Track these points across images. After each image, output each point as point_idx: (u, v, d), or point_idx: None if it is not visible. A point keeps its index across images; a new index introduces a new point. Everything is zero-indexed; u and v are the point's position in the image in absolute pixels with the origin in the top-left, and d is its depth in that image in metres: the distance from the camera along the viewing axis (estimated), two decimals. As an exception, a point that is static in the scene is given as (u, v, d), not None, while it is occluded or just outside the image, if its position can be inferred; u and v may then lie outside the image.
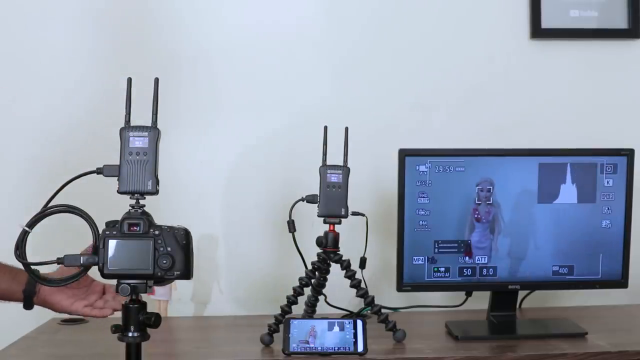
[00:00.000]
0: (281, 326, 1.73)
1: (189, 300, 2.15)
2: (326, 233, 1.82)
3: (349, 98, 2.17)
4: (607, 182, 1.89)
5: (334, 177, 1.80)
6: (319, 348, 1.67)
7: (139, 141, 1.36)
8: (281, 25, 2.17)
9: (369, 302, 1.80)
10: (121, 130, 1.37)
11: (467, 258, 1.88)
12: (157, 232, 1.35)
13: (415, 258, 1.87)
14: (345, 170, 1.80)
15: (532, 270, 1.89)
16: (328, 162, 1.81)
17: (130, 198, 1.37)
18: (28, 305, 1.58)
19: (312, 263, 1.84)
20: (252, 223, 2.16)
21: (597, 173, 1.88)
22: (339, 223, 1.81)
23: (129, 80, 1.39)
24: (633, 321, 2.00)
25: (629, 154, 1.89)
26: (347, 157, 1.82)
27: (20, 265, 1.36)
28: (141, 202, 1.37)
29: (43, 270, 1.40)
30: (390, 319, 1.79)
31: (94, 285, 1.62)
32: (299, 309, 1.86)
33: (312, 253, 1.84)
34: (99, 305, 1.59)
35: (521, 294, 2.00)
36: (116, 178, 1.36)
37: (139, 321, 1.36)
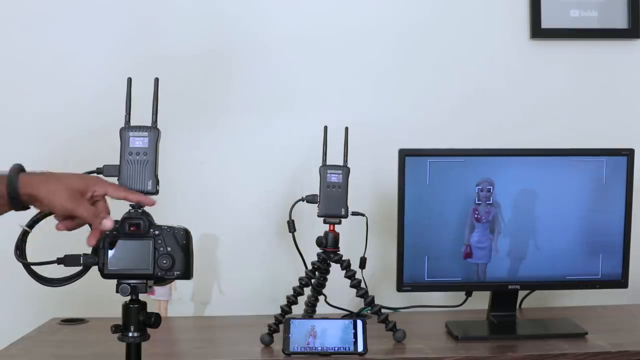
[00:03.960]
0: (281, 326, 1.73)
1: (189, 300, 2.15)
2: (326, 233, 1.82)
3: (349, 98, 2.16)
4: (607, 182, 1.88)
5: (334, 177, 1.80)
6: (319, 348, 1.67)
7: (139, 141, 1.36)
8: (281, 26, 2.17)
9: (369, 302, 1.80)
10: (121, 130, 1.37)
11: (467, 258, 1.88)
12: (157, 232, 1.35)
13: (415, 258, 1.86)
14: (345, 170, 1.80)
15: (532, 270, 1.89)
16: (328, 162, 1.81)
17: (131, 198, 1.37)
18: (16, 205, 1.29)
19: (312, 263, 1.84)
20: (252, 223, 2.16)
21: (597, 173, 1.88)
22: (339, 223, 1.81)
23: (129, 80, 1.39)
24: (633, 321, 2.00)
25: (629, 154, 1.89)
26: (347, 157, 1.82)
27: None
28: (141, 202, 1.38)
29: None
30: (390, 319, 1.79)
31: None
32: (299, 309, 1.86)
33: (312, 253, 1.84)
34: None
35: (521, 294, 2.00)
36: (116, 178, 1.36)
37: (139, 321, 1.36)
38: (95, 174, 1.38)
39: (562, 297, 2.17)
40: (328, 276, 1.87)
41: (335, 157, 1.81)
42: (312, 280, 1.85)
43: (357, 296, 1.82)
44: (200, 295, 2.16)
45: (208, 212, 2.15)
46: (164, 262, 1.34)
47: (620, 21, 2.22)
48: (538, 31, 2.19)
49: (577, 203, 1.89)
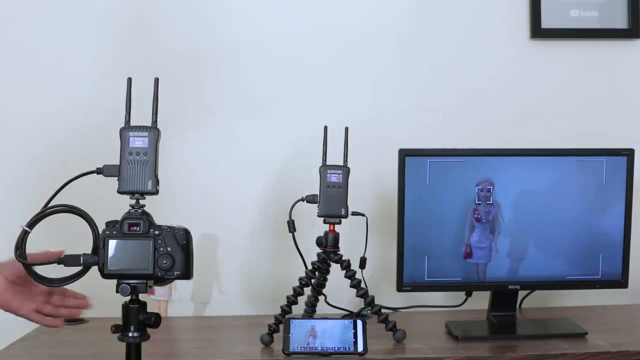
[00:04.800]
0: (281, 326, 1.73)
1: (189, 300, 2.15)
2: (326, 233, 1.82)
3: (349, 98, 2.16)
4: (607, 182, 1.88)
5: (334, 177, 1.80)
6: (319, 348, 1.67)
7: (139, 141, 1.36)
8: (281, 26, 2.17)
9: (369, 302, 1.80)
10: (121, 130, 1.37)
11: (467, 258, 1.88)
12: (157, 232, 1.35)
13: (415, 258, 1.86)
14: (345, 170, 1.80)
15: (532, 270, 1.89)
16: (328, 162, 1.81)
17: (130, 198, 1.37)
18: None
19: (312, 263, 1.84)
20: (252, 223, 2.16)
21: (597, 173, 1.88)
22: (339, 223, 1.81)
23: (129, 80, 1.39)
24: (633, 321, 2.00)
25: (629, 154, 1.89)
26: (347, 157, 1.82)
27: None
28: (141, 202, 1.38)
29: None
30: (390, 319, 1.79)
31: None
32: (299, 309, 1.86)
33: (312, 253, 1.84)
34: (48, 312, 1.43)
35: (521, 294, 2.00)
36: (116, 178, 1.36)
37: (139, 321, 1.37)
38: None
39: (562, 297, 2.17)
40: (328, 276, 1.87)
41: (335, 157, 1.81)
42: (312, 280, 1.85)
43: (357, 296, 1.82)
44: (200, 295, 2.16)
45: (208, 212, 2.15)
46: (164, 262, 1.34)
47: (620, 21, 2.22)
48: (538, 31, 2.19)
49: (577, 203, 1.89)
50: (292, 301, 1.81)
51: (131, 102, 1.39)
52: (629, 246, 1.89)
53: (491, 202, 1.87)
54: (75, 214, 1.37)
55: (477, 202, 1.86)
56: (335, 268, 1.83)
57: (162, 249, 1.35)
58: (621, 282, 1.91)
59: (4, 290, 1.38)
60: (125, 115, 1.38)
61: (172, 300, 2.06)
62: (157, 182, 1.37)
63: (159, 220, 1.39)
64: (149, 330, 1.39)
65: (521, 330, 1.86)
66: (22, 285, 1.41)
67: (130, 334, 1.36)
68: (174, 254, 1.35)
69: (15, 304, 1.40)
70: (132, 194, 1.37)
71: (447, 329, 1.86)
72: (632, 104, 2.24)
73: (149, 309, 1.40)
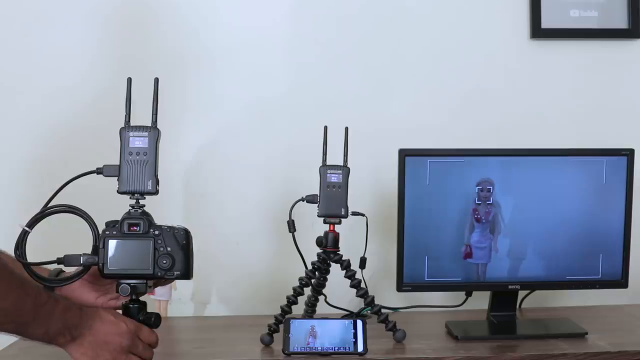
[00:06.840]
0: (281, 326, 1.73)
1: (189, 300, 2.15)
2: (326, 233, 1.82)
3: (349, 98, 2.16)
4: (607, 182, 1.88)
5: (334, 177, 1.80)
6: (319, 348, 1.67)
7: (139, 141, 1.37)
8: (280, 24, 2.17)
9: (369, 302, 1.80)
10: (121, 130, 1.37)
11: (467, 258, 1.88)
12: (157, 232, 1.36)
13: (415, 258, 1.86)
14: (345, 170, 1.80)
15: (532, 270, 1.89)
16: (328, 162, 1.81)
17: (130, 198, 1.38)
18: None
19: (312, 263, 1.84)
20: (252, 223, 2.16)
21: (597, 173, 1.88)
22: (339, 223, 1.81)
23: (129, 80, 1.39)
24: (633, 321, 2.00)
25: (629, 154, 1.89)
26: (347, 157, 1.82)
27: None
28: (141, 202, 1.38)
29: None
30: (390, 319, 1.79)
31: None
32: (299, 309, 1.86)
33: (312, 253, 1.84)
34: (114, 304, 1.48)
35: (521, 294, 2.00)
36: (116, 178, 1.36)
37: (139, 321, 1.37)
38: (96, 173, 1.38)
39: (562, 297, 2.17)
40: (328, 276, 1.87)
41: (335, 157, 1.81)
42: (312, 280, 1.85)
43: (357, 296, 1.82)
44: (200, 295, 2.16)
45: (208, 212, 2.15)
46: (164, 262, 1.35)
47: (620, 21, 2.22)
48: (538, 31, 2.19)
49: (577, 203, 1.89)
50: (292, 301, 1.81)
51: (131, 102, 1.39)
52: (629, 246, 1.89)
53: (491, 202, 1.87)
54: (75, 214, 1.37)
55: (477, 202, 1.86)
56: (335, 268, 1.83)
57: (162, 249, 1.35)
58: (621, 282, 1.91)
59: (78, 287, 1.42)
60: (125, 115, 1.38)
61: (172, 300, 2.06)
62: (157, 182, 1.37)
63: (159, 220, 1.39)
64: (149, 330, 1.39)
65: (521, 330, 1.86)
66: (96, 283, 1.44)
67: (131, 334, 1.36)
68: (174, 254, 1.35)
69: (89, 297, 1.44)
70: (132, 194, 1.37)
71: (447, 329, 1.86)
72: (632, 103, 2.24)
73: (149, 309, 1.40)
